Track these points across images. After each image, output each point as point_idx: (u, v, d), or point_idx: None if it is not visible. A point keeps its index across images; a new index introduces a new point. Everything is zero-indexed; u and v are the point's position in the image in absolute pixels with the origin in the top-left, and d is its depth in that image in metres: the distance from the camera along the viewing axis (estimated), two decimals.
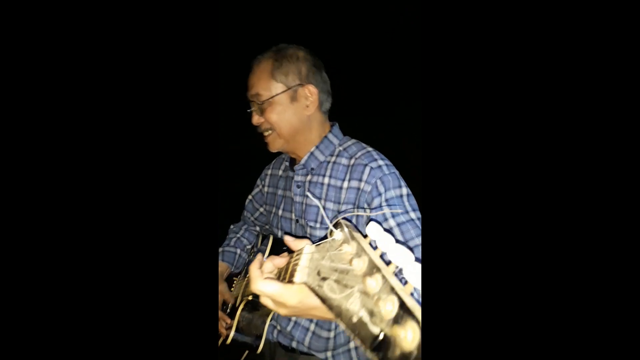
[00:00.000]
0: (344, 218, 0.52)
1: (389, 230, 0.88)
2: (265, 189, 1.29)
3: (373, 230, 0.46)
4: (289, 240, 0.67)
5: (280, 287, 0.57)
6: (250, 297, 1.06)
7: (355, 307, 0.38)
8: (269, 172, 1.31)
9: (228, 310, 1.21)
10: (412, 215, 0.90)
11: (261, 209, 1.34)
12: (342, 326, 0.39)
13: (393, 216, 0.89)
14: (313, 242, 0.91)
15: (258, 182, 1.36)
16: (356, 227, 0.51)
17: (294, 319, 1.04)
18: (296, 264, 0.57)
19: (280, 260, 0.64)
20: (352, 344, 1.02)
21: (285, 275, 0.60)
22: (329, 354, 1.02)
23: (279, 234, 1.17)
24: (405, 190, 0.94)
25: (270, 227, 1.24)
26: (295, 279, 0.54)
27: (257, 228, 1.39)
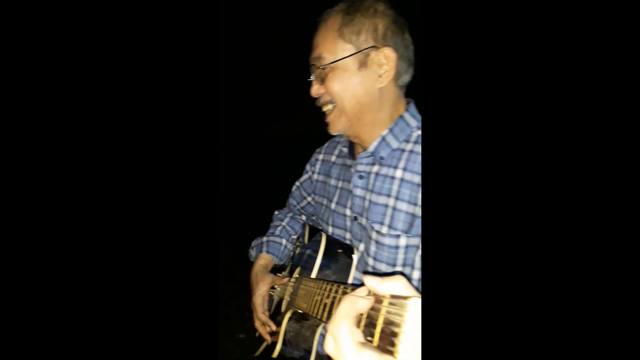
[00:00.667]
0: None
1: None
2: (315, 176, 1.10)
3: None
4: (371, 282, 0.43)
5: None
6: (300, 311, 0.89)
7: None
8: (321, 156, 1.11)
9: (271, 312, 1.07)
10: None
11: (309, 198, 1.14)
12: None
13: None
14: (385, 253, 0.77)
15: (307, 167, 1.16)
16: None
17: None
18: (393, 324, 0.39)
19: (363, 303, 0.43)
20: None
21: (372, 335, 0.41)
22: None
23: (330, 230, 0.99)
24: None
25: (319, 220, 1.06)
26: (399, 355, 0.37)
27: (303, 217, 1.20)
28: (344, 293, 0.54)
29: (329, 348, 0.43)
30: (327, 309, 0.58)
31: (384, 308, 0.41)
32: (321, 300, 0.63)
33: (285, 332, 0.94)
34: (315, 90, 0.86)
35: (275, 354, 0.99)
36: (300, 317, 0.94)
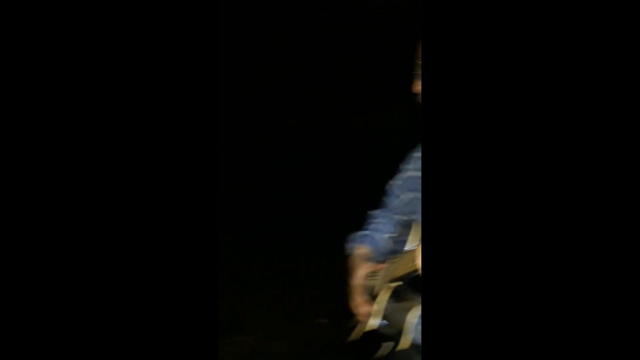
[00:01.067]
0: None
1: None
2: (415, 172, 1.12)
3: None
4: None
5: None
6: (400, 283, 0.93)
7: None
8: (419, 154, 1.13)
9: (368, 298, 1.08)
10: None
11: (409, 195, 1.17)
12: None
13: None
14: None
15: (404, 166, 1.20)
16: None
17: None
18: None
19: None
20: None
21: None
22: None
23: None
24: None
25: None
26: None
27: (404, 217, 1.21)
28: None
29: None
30: None
31: None
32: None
33: (381, 308, 0.99)
34: (417, 87, 0.93)
35: (368, 327, 1.01)
36: (398, 297, 0.97)
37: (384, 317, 1.00)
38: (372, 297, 1.08)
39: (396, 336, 0.96)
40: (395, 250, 1.10)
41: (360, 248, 1.19)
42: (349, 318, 1.16)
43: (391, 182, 1.24)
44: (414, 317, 0.93)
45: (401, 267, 0.93)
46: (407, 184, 1.18)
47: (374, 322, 1.01)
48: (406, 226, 1.12)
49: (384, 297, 1.01)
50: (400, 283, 0.94)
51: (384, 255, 1.17)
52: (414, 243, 0.94)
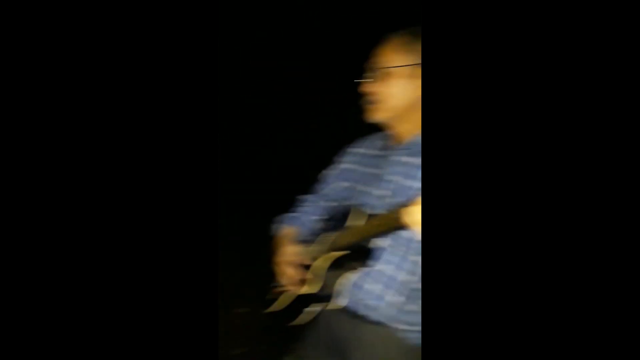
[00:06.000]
0: None
1: None
2: (350, 165, 1.31)
3: None
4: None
5: None
6: (339, 253, 1.05)
7: None
8: (354, 149, 1.33)
9: (299, 269, 1.18)
10: None
11: (342, 184, 1.33)
12: None
13: None
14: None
15: (339, 158, 1.36)
16: None
17: (367, 284, 1.04)
18: None
19: None
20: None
21: None
22: (405, 327, 1.02)
23: (368, 210, 1.16)
24: None
25: (354, 203, 1.23)
26: None
27: (334, 203, 1.37)
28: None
29: None
30: (394, 222, 0.81)
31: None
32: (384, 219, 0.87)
33: (318, 276, 1.09)
34: (373, 88, 1.08)
35: (302, 291, 1.11)
36: (333, 265, 1.08)
37: (322, 285, 1.10)
38: (305, 267, 1.17)
39: (327, 298, 1.08)
40: (325, 230, 1.22)
41: (287, 228, 1.32)
42: (271, 298, 1.26)
43: (325, 171, 1.37)
44: (348, 280, 1.05)
45: (345, 238, 1.04)
46: (342, 174, 1.33)
47: (307, 289, 1.11)
48: (337, 211, 1.27)
49: (322, 265, 1.11)
50: (346, 252, 1.05)
51: (311, 236, 1.29)
52: (354, 222, 1.07)
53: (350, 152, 1.34)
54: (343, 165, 1.36)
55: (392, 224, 0.82)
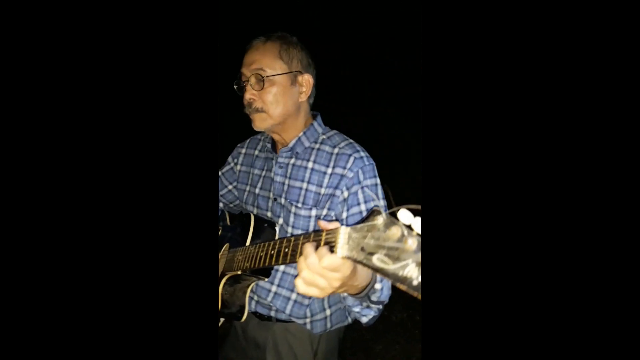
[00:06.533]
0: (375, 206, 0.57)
1: (362, 212, 1.06)
2: (238, 167, 1.36)
3: (406, 216, 0.55)
4: (322, 223, 0.72)
5: (339, 259, 0.62)
6: (239, 272, 1.11)
7: (414, 273, 0.51)
8: (243, 150, 1.38)
9: None
10: (380, 202, 1.09)
11: (230, 187, 1.40)
12: (403, 288, 0.52)
13: (366, 201, 1.07)
14: (301, 221, 1.12)
15: (230, 159, 1.42)
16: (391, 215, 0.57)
17: (273, 289, 1.15)
18: (331, 243, 0.65)
19: (310, 245, 0.69)
20: (327, 312, 1.16)
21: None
22: (308, 320, 1.15)
23: (255, 211, 1.26)
24: (378, 180, 1.10)
25: (243, 204, 1.32)
26: (337, 254, 0.62)
27: (221, 205, 1.46)
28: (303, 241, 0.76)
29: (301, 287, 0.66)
30: (288, 255, 0.79)
31: (324, 239, 0.68)
32: (278, 252, 0.84)
33: (222, 294, 1.16)
34: (250, 95, 1.11)
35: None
36: (234, 281, 1.16)
37: (225, 301, 1.18)
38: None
39: (237, 312, 1.17)
40: (222, 238, 1.27)
41: None
42: None
43: (219, 172, 1.43)
44: (250, 291, 1.17)
45: (243, 263, 1.06)
46: (227, 175, 1.39)
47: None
48: (232, 215, 1.35)
49: (222, 284, 1.19)
50: (237, 272, 1.11)
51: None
52: (255, 240, 1.14)
53: (239, 153, 1.39)
54: (229, 166, 1.41)
55: (289, 260, 0.80)
